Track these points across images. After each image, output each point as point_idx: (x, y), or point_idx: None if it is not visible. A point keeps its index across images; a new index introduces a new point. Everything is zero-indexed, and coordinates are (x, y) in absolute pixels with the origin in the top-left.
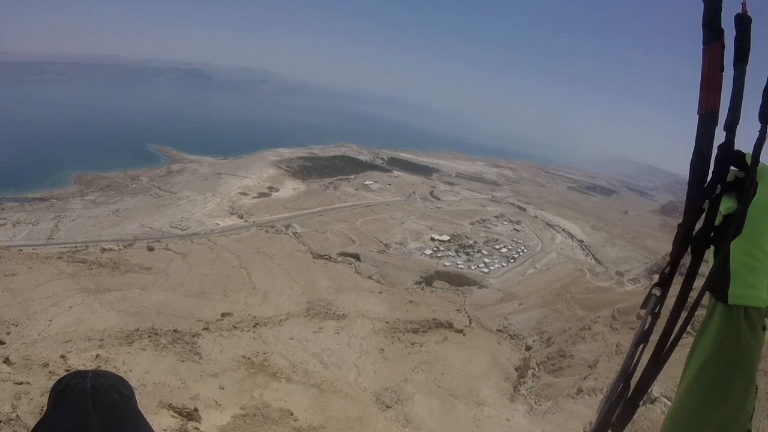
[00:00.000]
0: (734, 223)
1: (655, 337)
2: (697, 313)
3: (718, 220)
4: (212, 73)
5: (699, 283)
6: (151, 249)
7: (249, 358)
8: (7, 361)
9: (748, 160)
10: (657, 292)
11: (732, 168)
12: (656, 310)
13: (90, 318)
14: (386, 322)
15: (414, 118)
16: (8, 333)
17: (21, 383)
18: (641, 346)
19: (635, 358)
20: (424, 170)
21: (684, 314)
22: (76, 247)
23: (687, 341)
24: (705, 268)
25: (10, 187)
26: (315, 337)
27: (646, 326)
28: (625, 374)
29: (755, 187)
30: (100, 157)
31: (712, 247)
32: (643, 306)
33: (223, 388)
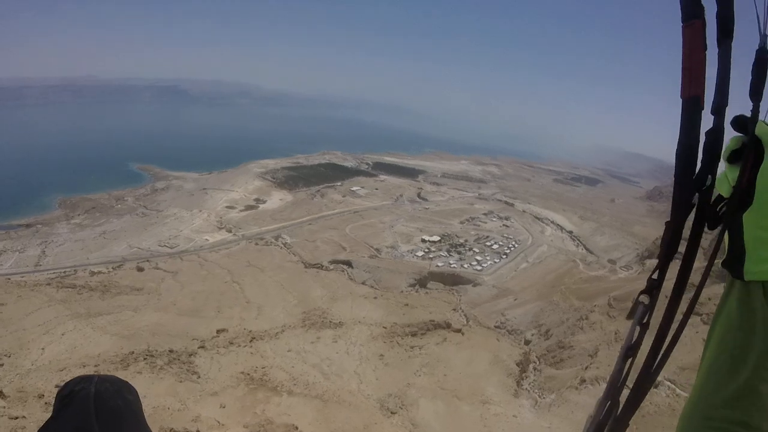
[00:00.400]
0: (742, 195)
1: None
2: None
3: (726, 191)
4: (188, 88)
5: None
6: (140, 269)
7: (248, 374)
8: (0, 394)
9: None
10: (645, 300)
11: (736, 134)
12: (644, 321)
13: (83, 344)
14: (384, 327)
15: (395, 121)
16: (1, 364)
17: (17, 417)
18: (629, 360)
19: (623, 374)
20: (410, 172)
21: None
22: (64, 272)
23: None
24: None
25: None
26: (313, 348)
27: (634, 338)
28: (613, 390)
29: (759, 155)
30: (84, 180)
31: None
32: (630, 316)
33: (224, 407)
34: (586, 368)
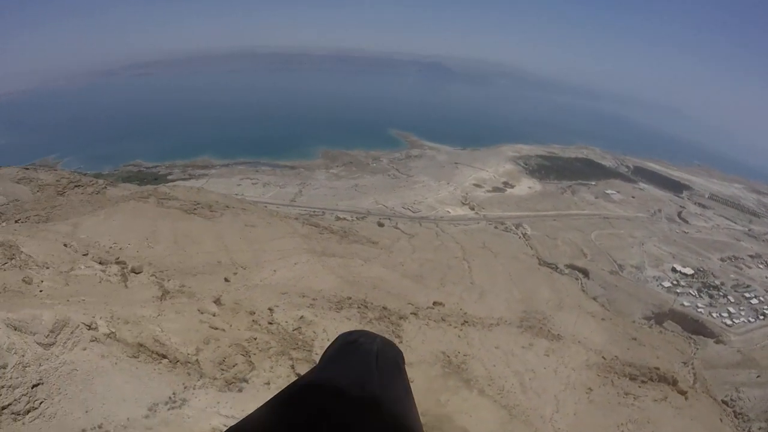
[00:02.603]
0: None
1: None
2: None
3: None
4: (451, 66)
5: None
6: (381, 225)
7: (449, 356)
8: (217, 301)
9: None
10: None
11: None
12: None
13: (309, 277)
14: (603, 358)
15: (663, 124)
16: (235, 273)
17: (216, 328)
18: None
19: None
20: (673, 186)
21: None
22: (314, 211)
23: None
24: None
25: (266, 154)
26: (522, 354)
27: None
28: None
29: None
30: (346, 137)
31: None
32: None
33: (412, 381)
34: None
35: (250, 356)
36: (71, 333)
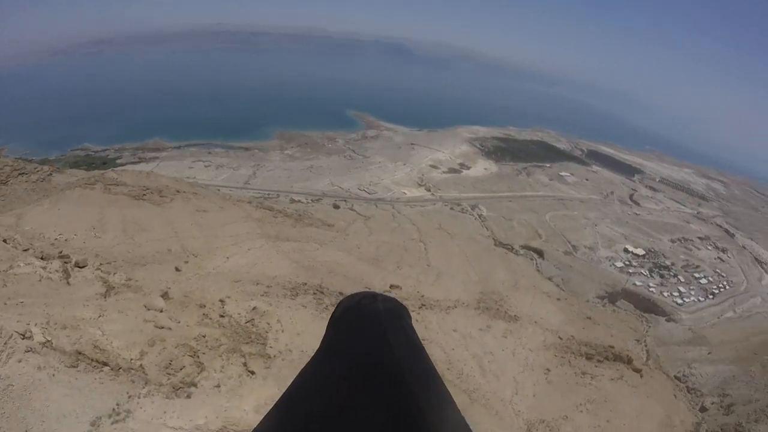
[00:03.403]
0: None
1: None
2: None
3: None
4: (414, 48)
5: None
6: (336, 207)
7: None
8: (165, 295)
9: None
10: None
11: None
12: None
13: (264, 263)
14: (559, 338)
15: (618, 109)
16: (186, 262)
17: (162, 327)
18: None
19: None
20: (626, 169)
21: None
22: (268, 194)
23: None
24: None
25: (220, 135)
26: (480, 336)
27: None
28: None
29: None
30: (302, 118)
31: None
32: None
33: None
34: None
35: (198, 356)
36: (4, 344)
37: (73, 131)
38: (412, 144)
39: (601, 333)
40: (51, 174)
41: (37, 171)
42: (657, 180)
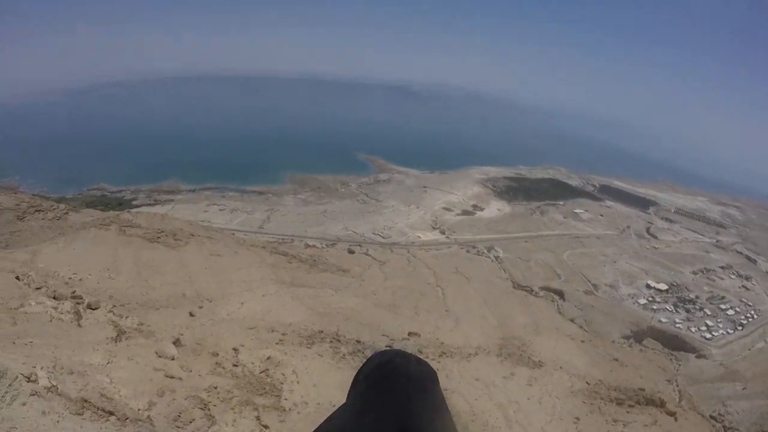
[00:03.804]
0: None
1: None
2: None
3: None
4: (419, 90)
5: None
6: (351, 252)
7: None
8: (177, 342)
9: None
10: None
11: None
12: None
13: (278, 310)
14: (587, 383)
15: (627, 142)
16: (200, 307)
17: (172, 377)
18: None
19: None
20: (640, 202)
21: None
22: (282, 239)
23: None
24: None
25: (233, 178)
26: (504, 384)
27: None
28: None
29: None
30: (315, 162)
31: None
32: None
33: None
34: None
35: (209, 408)
36: (9, 385)
37: (89, 171)
38: (424, 187)
39: (630, 375)
40: (67, 212)
41: (54, 209)
42: (672, 211)
